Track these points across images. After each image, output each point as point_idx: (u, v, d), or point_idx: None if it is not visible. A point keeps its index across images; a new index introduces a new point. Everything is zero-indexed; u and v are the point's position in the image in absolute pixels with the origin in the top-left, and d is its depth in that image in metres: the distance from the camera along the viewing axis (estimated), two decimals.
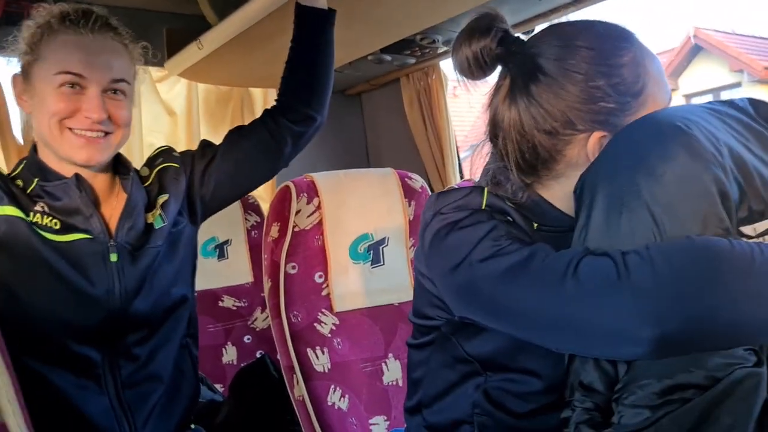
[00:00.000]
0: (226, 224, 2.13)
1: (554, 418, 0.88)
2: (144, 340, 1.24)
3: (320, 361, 1.48)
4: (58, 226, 1.17)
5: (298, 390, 1.45)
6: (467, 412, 1.00)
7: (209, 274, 2.07)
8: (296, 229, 1.52)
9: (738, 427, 0.66)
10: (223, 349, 2.10)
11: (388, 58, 2.05)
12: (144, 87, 2.24)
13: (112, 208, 1.25)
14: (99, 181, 1.24)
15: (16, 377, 1.11)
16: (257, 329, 2.17)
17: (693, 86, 10.55)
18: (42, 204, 1.18)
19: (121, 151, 1.29)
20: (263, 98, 2.52)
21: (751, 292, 0.69)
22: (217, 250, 2.16)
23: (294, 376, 1.45)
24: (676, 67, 10.56)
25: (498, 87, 0.96)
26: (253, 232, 2.21)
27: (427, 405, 1.06)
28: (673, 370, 0.70)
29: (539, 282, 0.79)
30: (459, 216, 0.92)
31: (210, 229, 2.05)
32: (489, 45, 0.92)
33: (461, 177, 2.33)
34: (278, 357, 1.51)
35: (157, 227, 1.26)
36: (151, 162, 1.38)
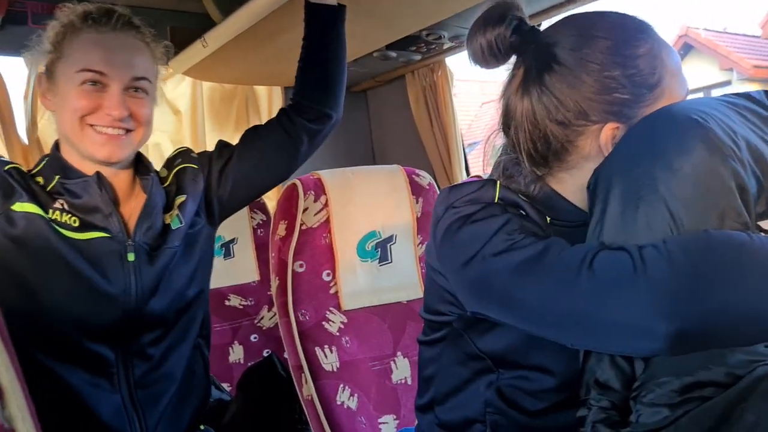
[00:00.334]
0: (232, 223, 2.10)
1: (567, 416, 0.87)
2: (158, 340, 1.24)
3: (329, 360, 1.47)
4: (77, 224, 1.17)
5: (307, 389, 1.44)
6: (479, 411, 0.98)
7: (215, 273, 2.02)
8: (303, 227, 1.51)
9: (762, 425, 0.65)
10: (230, 348, 2.09)
11: (393, 54, 2.04)
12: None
13: (132, 208, 1.25)
14: (119, 180, 1.24)
15: (29, 374, 1.11)
16: (264, 328, 2.16)
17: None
18: (62, 201, 1.18)
19: None
20: (268, 96, 2.51)
21: None
22: (223, 248, 2.15)
23: (302, 375, 1.44)
24: None
25: (511, 77, 0.95)
26: (259, 231, 2.20)
27: (439, 402, 1.05)
28: (692, 367, 0.69)
29: (554, 276, 0.78)
30: (471, 209, 0.91)
31: None
32: (504, 33, 0.90)
33: (467, 174, 2.32)
34: (285, 356, 1.50)
35: (174, 228, 1.26)
36: (169, 163, 1.38)
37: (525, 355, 0.94)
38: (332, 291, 1.53)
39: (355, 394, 1.47)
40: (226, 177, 1.36)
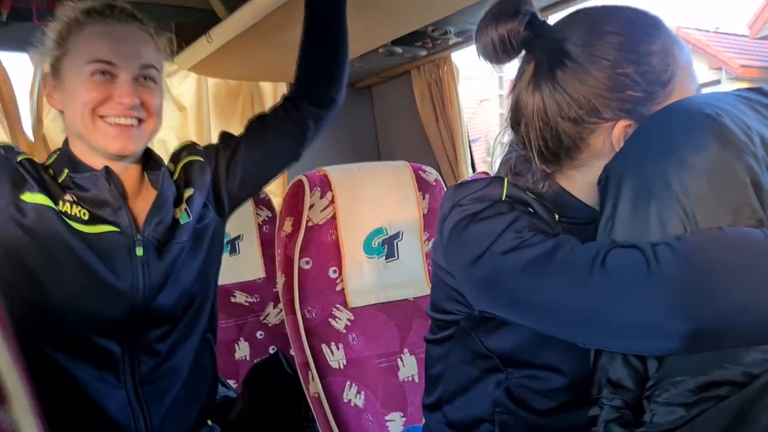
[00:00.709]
0: (237, 220, 2.10)
1: (578, 415, 0.86)
2: (165, 336, 1.24)
3: (335, 357, 1.46)
4: (86, 217, 1.17)
5: (314, 387, 1.43)
6: (488, 410, 0.98)
7: (221, 270, 2.05)
8: (310, 224, 1.51)
9: None
10: (236, 345, 2.09)
11: (399, 50, 2.03)
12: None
13: (141, 203, 1.24)
14: (129, 175, 1.24)
15: (36, 368, 1.12)
16: (269, 325, 2.16)
17: None
18: (71, 194, 1.18)
19: None
20: (273, 92, 2.51)
21: None
22: (229, 245, 2.15)
23: (309, 372, 1.43)
24: None
25: (521, 72, 0.93)
26: (264, 227, 2.19)
27: (447, 401, 1.04)
28: (708, 366, 0.68)
29: (565, 275, 0.77)
30: (479, 207, 0.90)
31: None
32: (516, 28, 0.89)
33: (473, 170, 2.31)
34: (292, 353, 1.49)
35: (182, 223, 1.26)
36: (175, 157, 1.38)
37: (534, 354, 0.93)
38: (339, 288, 1.52)
39: (362, 392, 1.46)
40: (234, 168, 1.35)
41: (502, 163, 1.00)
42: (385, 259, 1.57)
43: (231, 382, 1.92)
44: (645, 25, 0.87)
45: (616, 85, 0.84)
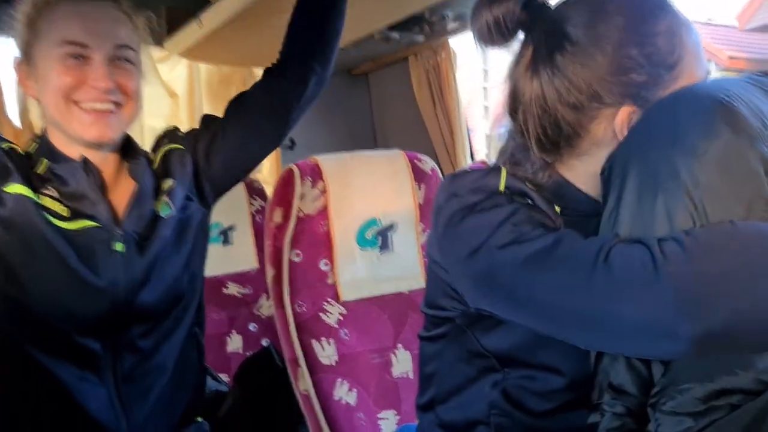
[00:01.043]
0: (230, 209, 2.08)
1: (576, 417, 0.83)
2: (149, 332, 1.19)
3: (326, 353, 1.42)
4: (66, 214, 1.13)
5: (303, 384, 1.39)
6: (483, 412, 0.94)
7: (213, 261, 1.99)
8: (300, 215, 1.46)
9: None
10: (228, 338, 2.06)
11: (395, 35, 1.98)
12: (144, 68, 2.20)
13: (120, 195, 1.19)
14: (107, 165, 1.19)
15: (16, 366, 1.10)
16: (263, 317, 2.12)
17: None
18: (52, 188, 1.14)
19: None
20: None
21: None
22: (222, 235, 2.11)
23: (299, 369, 1.39)
24: None
25: (519, 57, 0.88)
26: (257, 217, 2.15)
27: (441, 402, 1.01)
28: (718, 372, 0.63)
29: (566, 272, 0.72)
30: (475, 199, 0.85)
31: (214, 214, 1.98)
32: (512, 9, 0.84)
33: (472, 159, 2.27)
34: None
35: (164, 215, 1.21)
36: (156, 145, 1.32)
37: (532, 354, 0.89)
38: (330, 281, 1.47)
39: (354, 389, 1.42)
40: (215, 154, 1.28)
41: (500, 152, 0.95)
42: (379, 251, 1.52)
43: (223, 376, 1.89)
44: (650, 5, 0.83)
45: (619, 69, 0.80)
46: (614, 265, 0.68)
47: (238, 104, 1.31)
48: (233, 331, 2.07)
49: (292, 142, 2.48)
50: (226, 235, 2.11)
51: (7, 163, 1.12)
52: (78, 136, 1.13)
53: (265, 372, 1.62)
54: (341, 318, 1.46)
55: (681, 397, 0.64)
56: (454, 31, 2.04)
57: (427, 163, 1.61)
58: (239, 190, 2.07)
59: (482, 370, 0.94)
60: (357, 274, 1.49)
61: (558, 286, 0.73)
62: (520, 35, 0.88)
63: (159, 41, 1.96)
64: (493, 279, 0.81)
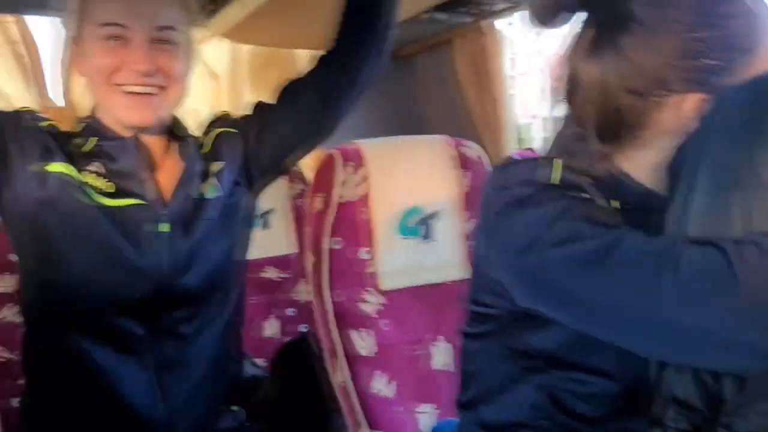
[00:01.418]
0: (269, 193, 2.03)
1: (628, 425, 0.80)
2: (191, 318, 1.18)
3: (365, 344, 1.40)
4: (111, 189, 1.12)
5: (341, 375, 1.37)
6: (527, 415, 0.89)
7: (252, 244, 2.01)
8: (341, 201, 1.43)
9: None
10: (266, 323, 2.04)
11: (442, 16, 1.92)
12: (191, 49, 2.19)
13: (167, 176, 1.18)
14: (156, 145, 1.18)
15: (57, 348, 1.11)
16: (301, 302, 2.10)
17: None
18: (98, 164, 1.13)
19: None
20: (310, 60, 2.42)
21: None
22: (261, 219, 2.09)
23: (336, 360, 1.37)
24: None
25: (578, 38, 0.82)
26: (297, 201, 2.12)
27: (482, 401, 0.97)
28: None
29: (628, 275, 0.67)
30: (527, 191, 0.81)
31: None
32: None
33: (519, 146, 2.20)
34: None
35: (211, 198, 1.19)
36: (207, 127, 1.31)
37: (583, 356, 0.85)
38: (370, 270, 1.44)
39: (393, 381, 1.40)
40: (265, 141, 1.26)
41: (554, 141, 0.90)
42: (421, 240, 1.48)
43: (259, 361, 1.88)
44: None
45: (689, 52, 0.74)
46: (683, 269, 0.63)
47: (289, 91, 1.28)
48: (271, 315, 2.06)
49: None
50: (265, 219, 2.09)
51: (48, 142, 1.11)
52: (119, 118, 1.12)
53: (302, 359, 1.61)
54: (381, 308, 1.44)
55: (757, 419, 0.58)
56: (503, 12, 1.97)
57: (473, 150, 1.56)
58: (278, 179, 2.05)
59: (527, 370, 0.90)
60: (397, 263, 1.46)
61: (620, 290, 0.68)
62: (581, 15, 0.82)
63: (201, 22, 1.94)
64: (545, 278, 0.77)
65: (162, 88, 1.11)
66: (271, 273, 2.09)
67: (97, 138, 1.15)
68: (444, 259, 1.51)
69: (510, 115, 2.16)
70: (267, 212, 2.09)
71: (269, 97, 1.29)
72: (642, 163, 0.82)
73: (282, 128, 1.26)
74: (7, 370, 1.47)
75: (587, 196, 0.81)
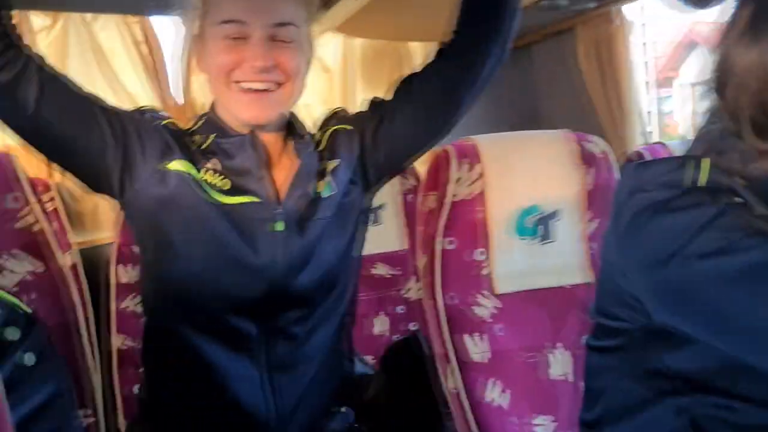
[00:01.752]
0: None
1: None
2: (304, 318, 1.17)
3: (478, 350, 1.35)
4: (227, 187, 1.13)
5: (453, 381, 1.34)
6: None
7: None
8: (455, 200, 1.39)
9: None
10: (375, 320, 2.03)
11: (563, 2, 1.84)
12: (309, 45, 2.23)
13: (283, 173, 1.18)
14: (272, 142, 1.18)
15: (170, 346, 1.14)
16: (411, 299, 2.07)
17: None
18: (215, 161, 1.14)
19: None
20: (423, 53, 2.39)
21: None
22: (372, 215, 2.08)
23: (448, 365, 1.34)
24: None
25: (733, 20, 0.74)
26: (408, 197, 2.10)
27: (609, 422, 0.89)
28: None
29: None
30: (668, 194, 0.73)
31: None
32: None
33: (647, 141, 2.06)
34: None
35: (326, 196, 1.18)
36: (323, 125, 1.29)
37: (731, 381, 0.75)
38: (485, 272, 1.39)
39: (507, 390, 1.35)
40: (381, 139, 1.23)
41: (699, 137, 0.81)
42: (540, 241, 1.42)
43: (369, 358, 1.87)
44: None
45: None
46: None
47: (407, 87, 1.23)
48: (381, 312, 2.05)
49: None
50: (375, 215, 2.08)
51: (168, 140, 1.13)
52: (236, 115, 1.13)
53: (412, 359, 1.57)
54: (495, 312, 1.39)
55: None
56: None
57: (597, 145, 1.48)
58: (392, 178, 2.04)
59: (662, 393, 0.82)
60: (514, 266, 1.41)
61: None
62: None
63: (319, 10, 1.96)
64: (689, 293, 0.70)
65: (279, 84, 1.11)
66: (381, 270, 2.08)
67: (215, 135, 1.16)
68: (563, 261, 1.44)
69: (637, 108, 2.03)
70: (378, 208, 2.07)
71: (382, 92, 1.26)
72: None
73: (399, 126, 1.22)
74: (131, 358, 1.53)
75: (740, 200, 0.72)
